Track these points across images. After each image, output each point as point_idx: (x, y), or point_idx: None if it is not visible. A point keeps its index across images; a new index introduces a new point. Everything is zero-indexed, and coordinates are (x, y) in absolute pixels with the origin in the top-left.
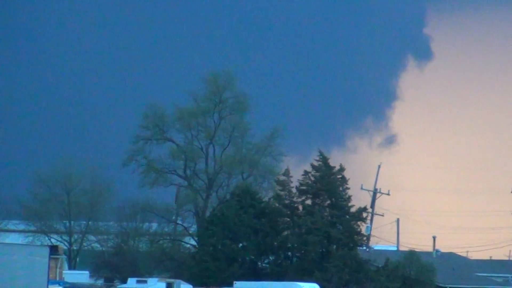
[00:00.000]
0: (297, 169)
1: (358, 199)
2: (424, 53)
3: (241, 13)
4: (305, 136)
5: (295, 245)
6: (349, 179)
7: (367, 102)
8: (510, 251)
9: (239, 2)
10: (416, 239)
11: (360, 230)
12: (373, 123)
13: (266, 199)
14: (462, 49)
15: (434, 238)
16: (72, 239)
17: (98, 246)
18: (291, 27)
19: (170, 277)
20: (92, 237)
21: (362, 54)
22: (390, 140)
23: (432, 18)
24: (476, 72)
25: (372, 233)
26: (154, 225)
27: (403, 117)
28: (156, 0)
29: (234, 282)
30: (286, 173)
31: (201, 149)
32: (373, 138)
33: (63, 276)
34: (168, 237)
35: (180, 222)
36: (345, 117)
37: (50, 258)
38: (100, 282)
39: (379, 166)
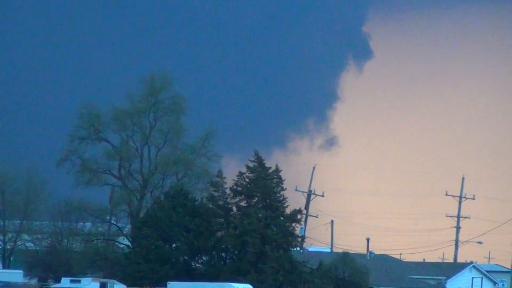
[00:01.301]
0: (238, 170)
1: (294, 201)
2: (363, 52)
3: (177, 14)
4: (245, 137)
5: (229, 246)
6: (284, 180)
7: (308, 103)
8: (443, 253)
9: (175, 4)
10: (351, 241)
11: (295, 232)
12: (314, 124)
13: (200, 200)
14: (401, 48)
15: (368, 240)
16: (6, 238)
17: (32, 245)
18: (229, 28)
19: (104, 277)
20: (26, 236)
21: (303, 53)
22: (331, 142)
23: (371, 15)
24: (415, 72)
25: (307, 234)
26: (88, 225)
27: (344, 118)
28: (95, 1)
29: (168, 282)
30: (220, 174)
31: (136, 149)
32: (314, 139)
33: None
34: (102, 237)
35: (114, 222)
36: (286, 119)
37: None
38: (34, 281)
39: (313, 168)
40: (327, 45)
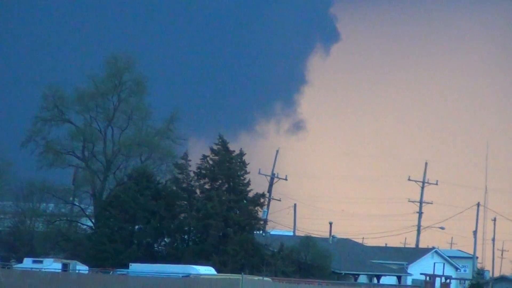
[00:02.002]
0: (204, 152)
1: (259, 184)
2: (330, 35)
3: None
4: (213, 120)
5: (192, 228)
6: (248, 164)
7: (275, 87)
8: (405, 238)
9: None
10: (314, 225)
11: (257, 215)
12: (282, 108)
13: (164, 182)
14: (369, 30)
15: (330, 224)
16: None
17: None
18: (196, 9)
19: (66, 258)
20: None
21: (271, 36)
22: (298, 126)
23: None
24: (382, 54)
25: (270, 218)
26: (51, 206)
27: (311, 102)
28: None
29: (130, 264)
30: (185, 157)
31: (100, 131)
32: (281, 123)
33: None
34: (64, 218)
35: (77, 203)
36: (254, 102)
37: None
38: None
39: (277, 151)
40: (294, 28)
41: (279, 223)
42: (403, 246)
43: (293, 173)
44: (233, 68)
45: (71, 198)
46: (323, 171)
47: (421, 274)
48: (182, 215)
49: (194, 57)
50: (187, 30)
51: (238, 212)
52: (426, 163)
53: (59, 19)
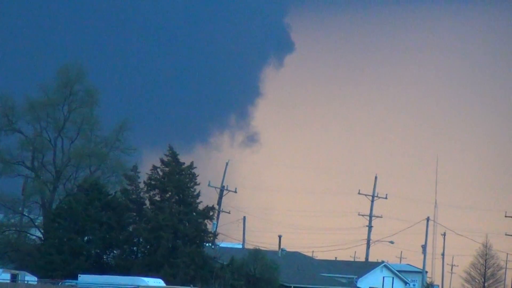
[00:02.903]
0: (156, 163)
1: (209, 197)
2: (284, 45)
3: (93, 5)
4: (168, 131)
5: (142, 240)
6: (198, 175)
7: (230, 99)
8: (355, 252)
9: None
10: (264, 238)
11: (207, 228)
12: (236, 120)
13: (114, 193)
14: (323, 40)
15: (280, 237)
16: None
17: None
18: (150, 20)
19: (15, 268)
20: None
21: (225, 46)
22: (252, 139)
23: (293, 7)
24: (335, 67)
25: (219, 230)
26: (0, 216)
27: (265, 113)
28: None
29: (79, 275)
30: (134, 168)
31: (50, 141)
32: (236, 135)
33: None
34: (13, 228)
35: (26, 214)
36: (208, 113)
37: None
38: None
39: (227, 164)
40: (248, 38)
41: (229, 235)
42: (353, 260)
43: (245, 185)
44: (188, 79)
45: (20, 208)
46: (275, 184)
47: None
48: (132, 226)
49: (148, 67)
50: (140, 40)
51: (187, 224)
52: (376, 177)
53: (10, 28)
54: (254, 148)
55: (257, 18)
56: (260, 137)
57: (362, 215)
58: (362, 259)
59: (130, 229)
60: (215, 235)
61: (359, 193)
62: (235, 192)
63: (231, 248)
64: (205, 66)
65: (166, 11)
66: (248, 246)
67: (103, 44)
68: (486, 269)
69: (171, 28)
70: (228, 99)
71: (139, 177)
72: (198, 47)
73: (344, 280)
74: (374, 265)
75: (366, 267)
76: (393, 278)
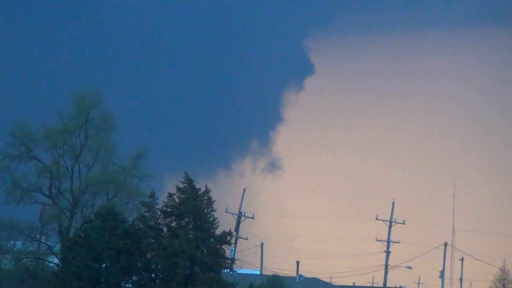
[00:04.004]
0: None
1: (228, 223)
2: (304, 67)
3: (109, 31)
4: (189, 158)
5: (159, 266)
6: (215, 201)
7: (252, 124)
8: (373, 278)
9: (106, 21)
10: (281, 264)
11: (225, 254)
12: (258, 146)
13: (130, 220)
14: (343, 62)
15: (297, 263)
16: None
17: None
18: (171, 46)
19: None
20: None
21: (248, 73)
22: (273, 165)
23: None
24: (355, 90)
25: (237, 256)
26: (18, 243)
27: (286, 139)
28: (24, 18)
29: None
30: (152, 195)
31: (67, 168)
32: (257, 162)
33: None
34: (31, 256)
35: (44, 241)
36: (230, 140)
37: None
38: None
39: (244, 190)
40: (268, 62)
41: (247, 261)
42: (371, 286)
43: (264, 211)
44: (209, 105)
45: (38, 236)
46: (294, 210)
47: None
48: (149, 253)
49: (169, 94)
50: (160, 66)
51: (205, 250)
52: (393, 202)
53: (26, 56)
54: (276, 174)
55: (277, 42)
56: (281, 163)
57: (380, 241)
58: (380, 284)
59: (148, 256)
60: (233, 261)
61: (376, 219)
62: (253, 218)
63: (249, 275)
64: (225, 90)
65: (185, 36)
66: (266, 272)
67: (120, 70)
68: None
69: (191, 54)
70: (249, 125)
71: (157, 203)
72: (218, 71)
73: None
74: None
75: None
76: None
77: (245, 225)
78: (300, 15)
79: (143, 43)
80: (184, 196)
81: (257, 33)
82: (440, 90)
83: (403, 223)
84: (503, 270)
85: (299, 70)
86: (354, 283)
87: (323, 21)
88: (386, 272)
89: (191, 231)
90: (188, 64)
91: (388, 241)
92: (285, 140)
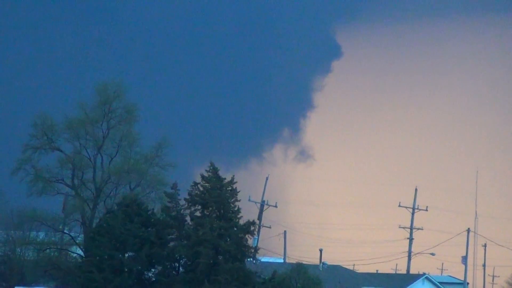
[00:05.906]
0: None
1: (250, 212)
2: (332, 50)
3: (131, 22)
4: (219, 147)
5: (183, 256)
6: (239, 191)
7: (282, 111)
8: (396, 265)
9: (128, 12)
10: (304, 252)
11: (248, 243)
12: (289, 134)
13: (153, 209)
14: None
15: (321, 250)
16: None
17: None
18: (197, 34)
19: (56, 287)
20: None
21: (277, 59)
22: (304, 153)
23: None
24: (382, 75)
25: (260, 245)
26: (41, 234)
27: (316, 127)
28: (46, 9)
29: None
30: (175, 186)
31: (89, 158)
32: (288, 150)
33: None
34: (55, 246)
35: (67, 232)
36: (260, 128)
37: None
38: None
39: (267, 178)
40: (297, 48)
41: (270, 250)
42: (394, 273)
43: (294, 200)
44: (238, 93)
45: (61, 226)
46: (319, 198)
47: None
48: (172, 242)
49: (198, 84)
50: (187, 54)
51: (228, 239)
52: (416, 189)
53: (48, 47)
54: (308, 163)
55: (305, 27)
56: (312, 152)
57: (403, 228)
58: (404, 271)
59: (172, 245)
60: (256, 249)
61: (399, 206)
62: (276, 206)
63: (272, 263)
64: (254, 76)
65: (213, 24)
66: (290, 260)
67: (146, 59)
68: None
69: (219, 41)
70: (280, 112)
71: (179, 194)
72: (247, 58)
73: None
74: (416, 277)
75: (407, 279)
76: None
77: (269, 213)
78: None
79: (168, 31)
80: (209, 185)
81: (285, 19)
82: (465, 78)
83: (426, 210)
84: None
85: (327, 53)
86: (377, 270)
87: (350, 4)
88: (409, 259)
89: (215, 220)
90: (216, 52)
91: (411, 228)
92: (316, 128)
